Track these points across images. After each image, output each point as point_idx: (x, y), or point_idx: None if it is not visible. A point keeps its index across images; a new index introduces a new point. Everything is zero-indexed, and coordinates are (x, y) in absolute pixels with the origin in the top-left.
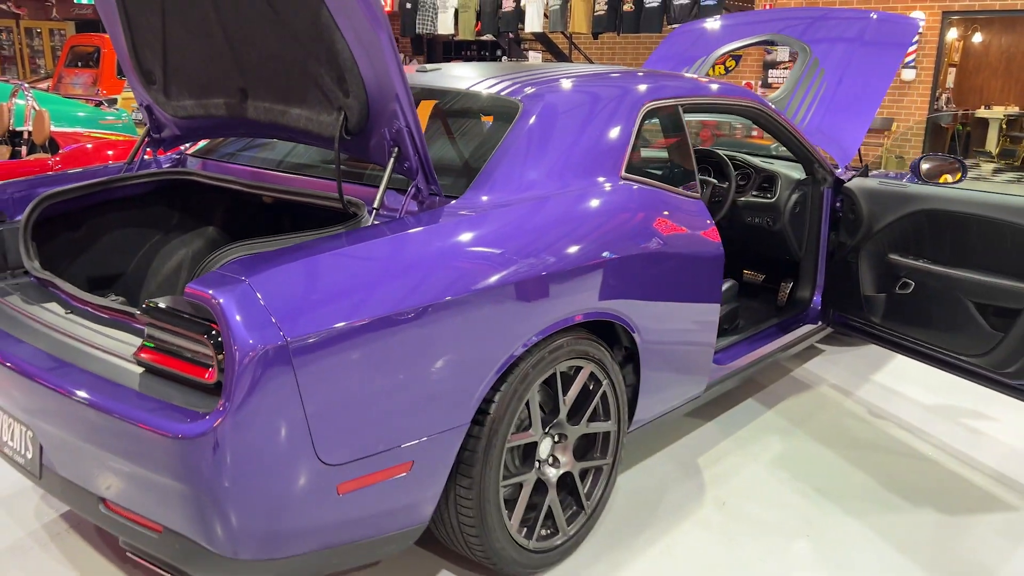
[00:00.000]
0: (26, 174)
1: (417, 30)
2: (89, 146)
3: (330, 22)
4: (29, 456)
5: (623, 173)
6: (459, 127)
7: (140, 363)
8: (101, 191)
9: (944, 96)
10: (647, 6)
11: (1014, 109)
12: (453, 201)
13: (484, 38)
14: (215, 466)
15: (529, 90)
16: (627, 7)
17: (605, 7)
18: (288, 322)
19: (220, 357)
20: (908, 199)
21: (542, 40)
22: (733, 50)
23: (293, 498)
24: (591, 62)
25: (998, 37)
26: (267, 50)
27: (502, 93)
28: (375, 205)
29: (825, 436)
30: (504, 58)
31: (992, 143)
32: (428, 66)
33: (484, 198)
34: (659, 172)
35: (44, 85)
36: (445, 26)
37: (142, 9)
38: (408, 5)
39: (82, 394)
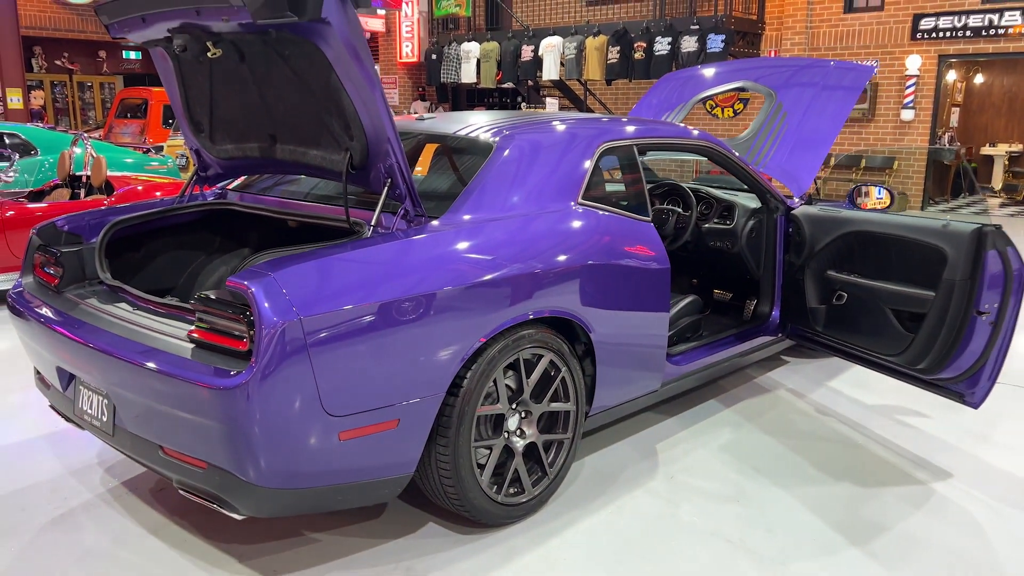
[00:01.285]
0: None
1: (442, 79)
2: (140, 188)
3: (338, 84)
4: (104, 419)
5: (580, 199)
6: (445, 163)
7: (192, 340)
8: (159, 218)
9: (948, 135)
10: (657, 54)
11: (1017, 147)
12: (435, 220)
13: (505, 86)
14: (246, 411)
15: (503, 133)
16: (638, 55)
17: (618, 55)
18: (303, 305)
19: (251, 332)
20: (841, 222)
21: (559, 87)
22: (708, 96)
23: (305, 439)
24: (605, 107)
25: (1000, 78)
26: (291, 105)
27: (480, 136)
28: (372, 223)
29: (771, 428)
30: (524, 104)
31: (997, 179)
32: (426, 116)
33: (464, 217)
34: (614, 199)
35: (96, 134)
36: (468, 75)
37: (194, 74)
38: (433, 56)
39: (149, 364)
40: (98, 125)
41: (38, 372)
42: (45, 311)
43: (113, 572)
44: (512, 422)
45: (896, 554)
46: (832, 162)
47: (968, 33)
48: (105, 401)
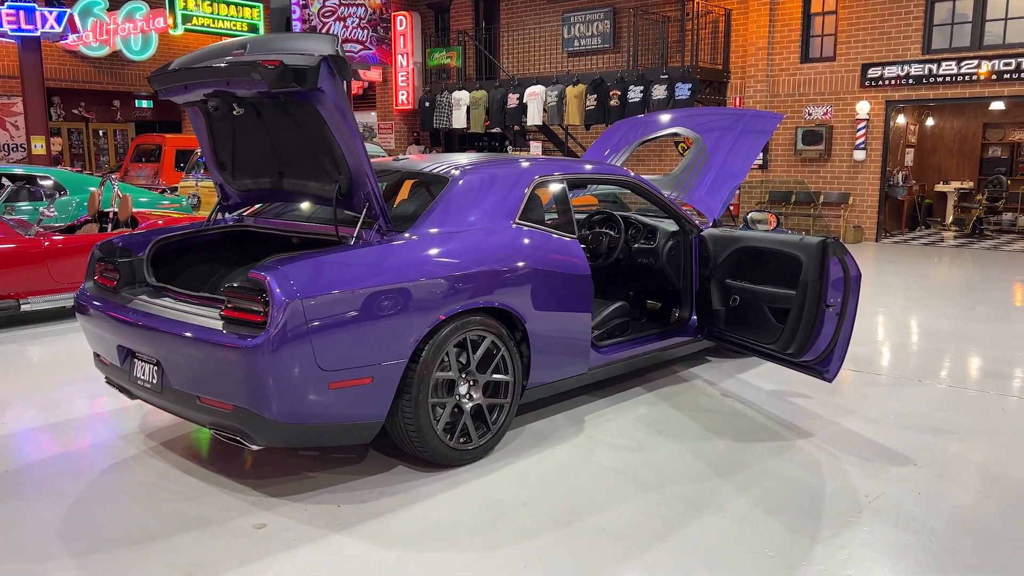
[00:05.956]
0: None
1: (434, 125)
2: (160, 222)
3: (329, 133)
4: (155, 381)
5: (516, 220)
6: (414, 192)
7: (223, 318)
8: (191, 236)
9: (901, 173)
10: (630, 101)
11: (968, 184)
12: (402, 233)
13: (493, 131)
14: (262, 363)
15: (457, 170)
16: (613, 102)
17: (595, 102)
18: (303, 289)
19: (266, 309)
20: (735, 240)
21: (543, 131)
22: (647, 140)
23: (304, 385)
24: (585, 149)
25: (950, 121)
26: (294, 149)
27: (439, 171)
28: (355, 235)
29: (680, 405)
30: (510, 148)
31: (949, 214)
32: (401, 156)
33: (424, 231)
34: (546, 220)
35: (112, 177)
36: (459, 121)
37: (221, 126)
38: (427, 104)
39: (191, 334)
40: (112, 169)
41: (97, 355)
42: (108, 305)
43: (161, 494)
44: (463, 388)
45: (749, 482)
46: (793, 199)
47: (911, 81)
48: (156, 368)
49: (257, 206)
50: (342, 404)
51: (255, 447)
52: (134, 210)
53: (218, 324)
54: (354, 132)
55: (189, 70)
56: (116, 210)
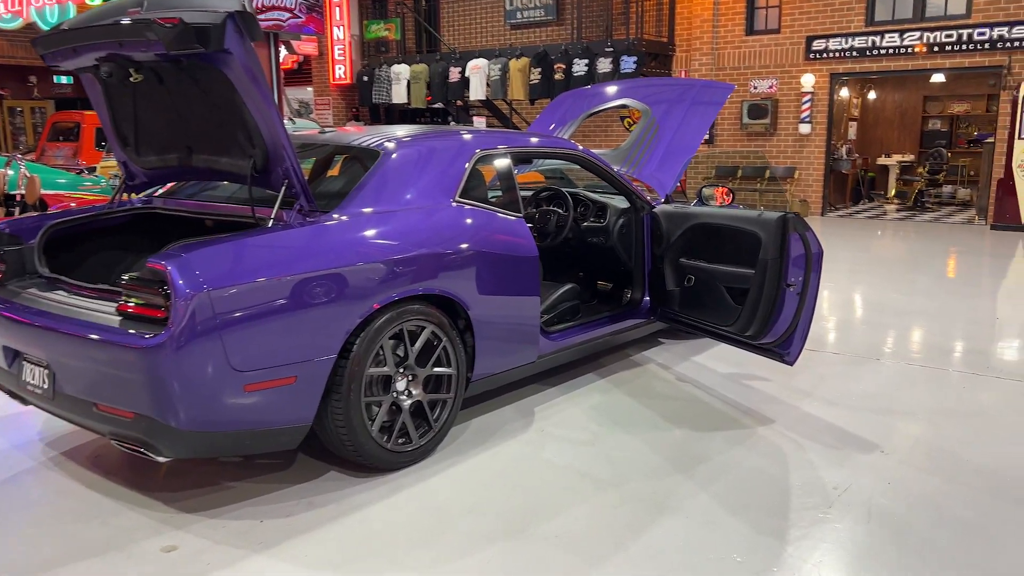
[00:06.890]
0: None
1: (374, 100)
2: (73, 205)
3: (240, 101)
4: (45, 386)
5: (456, 197)
6: (342, 167)
7: (120, 313)
8: (91, 220)
9: (845, 147)
10: (575, 75)
11: (909, 157)
12: (327, 214)
13: (435, 106)
14: (165, 364)
15: (390, 143)
16: (558, 76)
17: (539, 76)
18: (210, 279)
19: (168, 303)
20: (688, 216)
21: (487, 106)
22: (594, 112)
23: (214, 389)
24: (529, 125)
25: (892, 94)
26: (203, 120)
27: (370, 144)
28: (272, 216)
29: (634, 392)
30: (452, 123)
31: (891, 187)
32: (327, 130)
33: (352, 211)
34: (489, 198)
35: (28, 157)
36: (399, 96)
37: (120, 95)
38: (365, 78)
39: (84, 334)
40: (29, 148)
41: None
42: None
43: (58, 514)
44: (400, 384)
45: (710, 476)
46: (740, 174)
47: (854, 53)
48: (46, 371)
49: (169, 185)
50: (261, 408)
51: (162, 459)
52: (45, 192)
53: (115, 320)
54: (268, 100)
55: (75, 31)
56: (23, 192)
